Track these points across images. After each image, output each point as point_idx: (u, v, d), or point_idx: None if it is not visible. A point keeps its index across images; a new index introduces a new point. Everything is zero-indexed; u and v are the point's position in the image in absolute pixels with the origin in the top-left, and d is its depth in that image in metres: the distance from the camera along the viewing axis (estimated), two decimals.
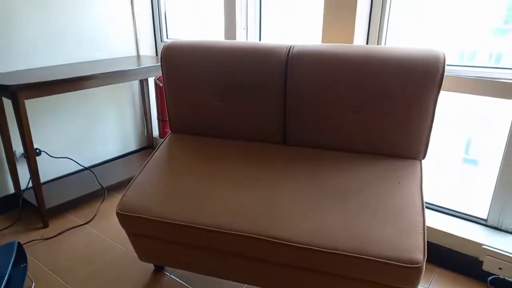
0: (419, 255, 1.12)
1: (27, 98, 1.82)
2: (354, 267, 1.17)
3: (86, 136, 2.49)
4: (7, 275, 1.38)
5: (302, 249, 1.20)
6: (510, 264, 1.54)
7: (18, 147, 2.18)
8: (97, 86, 2.08)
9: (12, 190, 2.21)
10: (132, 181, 1.53)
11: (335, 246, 1.18)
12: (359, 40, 1.71)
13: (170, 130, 1.82)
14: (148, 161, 1.63)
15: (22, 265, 1.59)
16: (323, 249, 1.18)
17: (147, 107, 2.78)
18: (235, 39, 2.20)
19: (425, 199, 1.86)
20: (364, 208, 1.28)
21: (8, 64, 2.04)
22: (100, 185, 2.30)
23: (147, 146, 2.90)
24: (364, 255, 1.14)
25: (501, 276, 1.58)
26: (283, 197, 1.35)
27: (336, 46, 1.52)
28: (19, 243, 1.57)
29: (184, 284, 1.66)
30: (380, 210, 1.26)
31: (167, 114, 1.81)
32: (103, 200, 2.34)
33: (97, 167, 2.55)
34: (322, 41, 1.76)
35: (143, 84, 2.72)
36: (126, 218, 1.42)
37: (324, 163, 1.49)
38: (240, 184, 1.44)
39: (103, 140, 2.60)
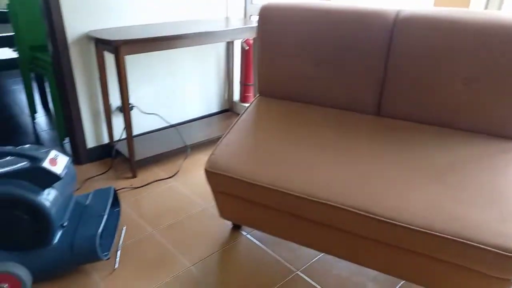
0: None
1: (127, 54, 1.92)
2: (449, 250, 1.09)
3: (172, 95, 2.59)
4: (105, 216, 1.51)
5: (393, 225, 1.15)
6: None
7: (113, 101, 2.33)
8: (189, 46, 2.13)
9: (106, 140, 2.39)
10: (220, 140, 1.56)
11: (430, 226, 1.10)
12: (476, 4, 1.52)
13: (259, 93, 1.81)
14: (235, 122, 1.64)
15: (116, 209, 1.73)
16: (415, 228, 1.12)
17: (231, 71, 2.80)
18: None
19: None
20: (465, 188, 1.17)
21: (108, 21, 2.15)
22: (184, 142, 2.40)
23: (227, 109, 2.95)
24: (462, 239, 1.06)
25: None
26: (375, 170, 1.29)
27: (452, 11, 1.36)
28: (114, 189, 1.70)
29: (260, 245, 1.70)
30: (482, 192, 1.15)
31: (256, 76, 1.80)
32: (186, 157, 2.44)
33: (180, 126, 2.66)
34: (435, 5, 1.60)
35: (229, 46, 2.73)
36: (213, 176, 1.46)
37: (422, 138, 1.39)
38: (328, 152, 1.40)
39: (187, 100, 2.69)
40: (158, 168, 2.32)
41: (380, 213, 1.16)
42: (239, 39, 2.32)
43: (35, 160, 1.35)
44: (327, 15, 1.55)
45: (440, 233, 1.09)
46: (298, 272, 1.55)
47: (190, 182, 2.17)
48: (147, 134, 2.52)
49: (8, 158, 1.42)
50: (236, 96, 2.94)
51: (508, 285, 1.12)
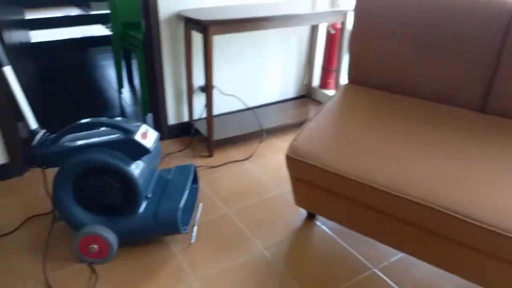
0: None
1: (215, 34, 1.94)
2: None
3: (252, 77, 2.59)
4: (186, 191, 1.56)
5: (487, 231, 1.03)
6: None
7: (195, 81, 2.38)
8: (276, 28, 2.09)
9: (186, 118, 2.47)
10: (303, 126, 1.52)
11: None
12: None
13: (348, 80, 1.73)
14: (320, 109, 1.59)
15: (194, 186, 1.78)
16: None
17: (313, 55, 2.72)
18: None
19: None
20: None
21: (197, 1, 2.19)
22: (260, 126, 2.40)
23: (304, 95, 2.89)
24: None
25: None
26: (474, 170, 1.17)
27: None
28: (195, 167, 1.74)
29: (335, 237, 1.64)
30: None
31: (347, 63, 1.71)
32: (261, 141, 2.44)
33: (257, 109, 2.66)
34: None
35: (314, 30, 2.65)
36: (294, 162, 1.43)
37: None
38: (420, 147, 1.29)
39: (266, 83, 2.67)
40: (234, 150, 2.34)
41: (480, 218, 1.05)
42: (325, 22, 2.24)
43: (129, 133, 1.42)
44: (428, 2, 1.41)
45: None
46: (376, 270, 1.48)
47: (265, 166, 2.17)
48: (224, 115, 2.55)
49: (103, 128, 1.51)
50: (316, 82, 2.86)
51: None
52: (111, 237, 1.45)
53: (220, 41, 2.36)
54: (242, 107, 2.64)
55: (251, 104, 2.68)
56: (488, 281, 1.17)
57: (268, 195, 1.92)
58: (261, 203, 1.87)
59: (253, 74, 2.59)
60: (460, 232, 1.11)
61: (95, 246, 1.45)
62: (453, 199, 1.11)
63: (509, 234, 1.02)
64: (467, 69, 1.39)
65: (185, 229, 1.54)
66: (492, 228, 1.04)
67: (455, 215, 1.09)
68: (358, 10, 1.61)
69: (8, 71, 1.39)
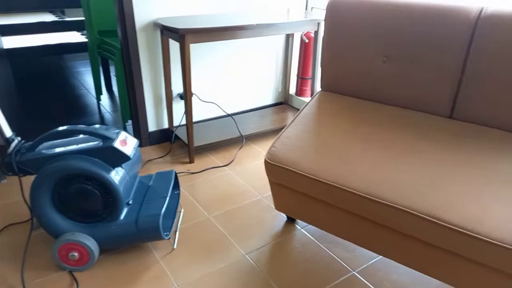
0: None
1: (192, 42, 1.96)
2: None
3: (230, 85, 2.62)
4: (167, 197, 1.57)
5: (462, 234, 1.09)
6: None
7: (174, 88, 2.40)
8: (251, 37, 2.14)
9: (166, 125, 2.48)
10: (280, 133, 1.56)
11: (502, 238, 1.04)
12: None
13: (321, 87, 1.79)
14: (296, 116, 1.64)
15: (176, 192, 1.79)
16: (488, 240, 1.06)
17: (288, 63, 2.78)
18: None
19: None
20: None
21: (174, 9, 2.21)
22: (240, 133, 2.43)
23: (282, 102, 2.94)
24: None
25: None
26: (445, 174, 1.24)
27: None
28: (176, 173, 1.76)
29: (315, 241, 1.69)
30: None
31: (320, 71, 1.77)
32: (241, 147, 2.47)
33: (236, 116, 2.69)
34: None
35: (289, 39, 2.71)
36: (273, 168, 1.47)
37: (503, 146, 1.31)
38: (394, 153, 1.35)
39: (244, 91, 2.71)
40: (214, 156, 2.36)
41: (454, 221, 1.11)
42: (299, 31, 2.30)
43: (107, 140, 1.42)
44: (402, 11, 1.49)
45: (503, 242, 1.02)
46: (355, 273, 1.53)
47: (244, 172, 2.20)
48: (204, 122, 2.57)
49: (81, 136, 1.51)
50: (292, 89, 2.92)
51: None
52: (92, 244, 1.45)
53: (198, 49, 2.39)
54: (222, 114, 2.67)
55: (230, 111, 2.71)
56: (465, 283, 1.23)
57: (249, 200, 1.95)
58: (241, 208, 1.89)
59: (232, 82, 2.62)
60: (433, 235, 1.16)
61: (75, 254, 1.44)
62: (426, 203, 1.17)
63: (482, 237, 1.07)
64: (436, 77, 1.46)
65: (167, 235, 1.55)
66: (465, 231, 1.09)
67: (429, 218, 1.14)
68: (328, 21, 1.67)
69: None
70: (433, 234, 1.16)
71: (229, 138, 2.38)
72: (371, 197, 1.24)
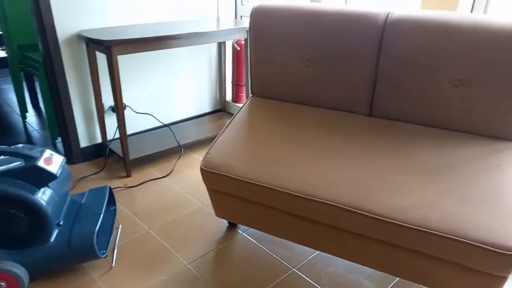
0: None
1: (120, 54, 1.92)
2: (444, 248, 1.13)
3: (165, 94, 2.60)
4: (102, 214, 1.52)
5: (387, 223, 1.18)
6: None
7: (106, 100, 2.33)
8: (181, 46, 2.14)
9: (99, 140, 2.39)
10: (215, 140, 1.58)
11: (426, 224, 1.14)
12: (463, 8, 1.57)
13: (252, 93, 1.83)
14: (230, 123, 1.66)
15: (112, 208, 1.74)
16: (410, 225, 1.15)
17: (223, 71, 2.82)
18: (319, 1, 2.12)
19: None
20: (457, 187, 1.21)
21: (99, 20, 2.15)
22: (178, 142, 2.41)
23: (219, 110, 2.96)
24: (457, 237, 1.10)
25: None
26: (367, 169, 1.33)
27: (441, 14, 1.41)
28: (110, 188, 1.71)
29: (256, 244, 1.72)
30: (476, 192, 1.19)
31: (249, 77, 1.82)
32: (180, 157, 2.45)
33: (173, 125, 2.67)
34: (422, 8, 1.65)
35: (221, 47, 2.75)
36: (209, 175, 1.48)
37: (414, 138, 1.43)
38: (322, 152, 1.43)
39: (180, 100, 2.70)
40: (152, 168, 2.32)
41: (375, 211, 1.20)
42: (230, 39, 2.35)
43: (30, 159, 1.35)
44: (319, 17, 1.58)
45: (435, 230, 1.12)
46: (295, 270, 1.58)
47: (184, 181, 2.19)
48: (140, 134, 2.52)
49: (2, 157, 1.42)
50: (229, 96, 2.96)
51: (502, 282, 1.16)
52: (20, 271, 1.36)
53: (129, 59, 2.34)
54: (158, 124, 2.63)
55: (167, 121, 2.68)
56: (392, 269, 1.32)
57: (189, 210, 1.94)
58: (182, 218, 1.88)
59: (167, 91, 2.60)
60: (364, 226, 1.23)
61: (3, 283, 1.34)
62: (354, 197, 1.24)
63: (406, 225, 1.16)
64: (352, 79, 1.57)
65: (104, 253, 1.50)
66: (391, 221, 1.18)
67: (358, 211, 1.22)
68: (253, 28, 1.72)
69: None
70: (360, 225, 1.24)
71: (167, 149, 2.36)
72: (302, 195, 1.30)
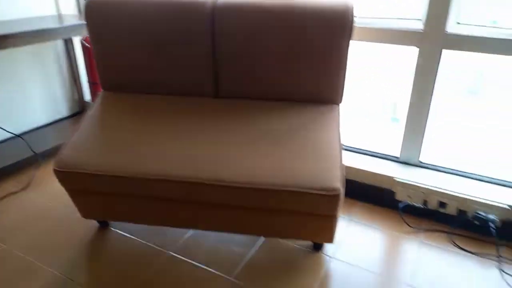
0: (337, 183, 1.29)
1: None
2: (281, 199, 1.31)
3: (12, 102, 2.37)
4: None
5: (236, 188, 1.32)
6: (416, 192, 1.79)
7: None
8: (18, 46, 1.98)
9: None
10: (68, 141, 1.54)
11: (257, 181, 1.30)
12: None
13: (102, 88, 1.81)
14: (82, 121, 1.63)
15: None
16: (253, 186, 1.31)
17: (75, 70, 2.68)
18: None
19: (353, 145, 2.06)
20: (288, 148, 1.42)
21: None
22: (33, 151, 2.25)
23: (80, 112, 2.82)
24: (289, 187, 1.29)
25: (410, 203, 1.84)
26: (224, 146, 1.45)
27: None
28: None
29: (130, 237, 1.74)
30: (304, 149, 1.41)
31: (97, 72, 1.80)
32: (39, 166, 2.29)
33: (28, 134, 2.46)
34: None
35: (68, 45, 2.61)
36: (63, 175, 1.44)
37: (253, 112, 1.61)
38: (174, 135, 1.51)
39: (31, 106, 2.49)
40: (8, 182, 2.13)
41: (238, 179, 1.32)
42: (75, 36, 2.25)
43: None
44: (150, 9, 1.65)
45: (266, 185, 1.30)
46: (171, 252, 1.65)
47: (47, 191, 2.06)
48: None
49: None
50: (88, 96, 2.83)
51: (334, 221, 1.40)
52: None
53: None
54: (9, 136, 2.40)
55: (18, 131, 2.46)
56: (247, 229, 1.48)
57: (57, 218, 1.85)
58: (49, 228, 1.79)
59: (14, 98, 2.38)
60: (227, 196, 1.35)
61: None
62: (212, 171, 1.35)
63: (251, 186, 1.30)
64: (195, 64, 1.69)
65: None
66: (250, 186, 1.31)
67: (219, 183, 1.32)
68: (89, 22, 1.70)
69: None
70: (225, 196, 1.35)
71: (22, 159, 2.19)
72: (166, 178, 1.35)
